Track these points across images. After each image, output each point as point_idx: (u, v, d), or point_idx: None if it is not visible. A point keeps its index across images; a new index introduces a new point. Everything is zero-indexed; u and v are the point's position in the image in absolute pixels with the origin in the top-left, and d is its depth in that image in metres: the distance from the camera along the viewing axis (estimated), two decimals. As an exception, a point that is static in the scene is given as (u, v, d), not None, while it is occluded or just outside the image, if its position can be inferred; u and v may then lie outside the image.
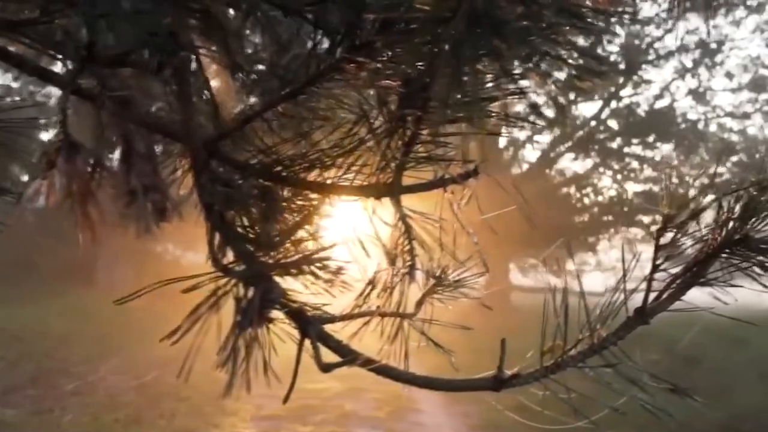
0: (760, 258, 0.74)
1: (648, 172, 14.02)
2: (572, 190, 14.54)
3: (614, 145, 14.09)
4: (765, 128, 13.55)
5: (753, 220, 0.74)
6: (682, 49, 13.37)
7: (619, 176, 14.50)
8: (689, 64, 13.54)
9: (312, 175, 0.78)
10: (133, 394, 5.63)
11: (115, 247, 10.68)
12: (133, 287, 0.62)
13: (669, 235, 0.76)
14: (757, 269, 0.77)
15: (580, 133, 13.88)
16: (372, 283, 0.74)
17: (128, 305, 0.82)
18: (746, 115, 13.42)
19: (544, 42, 0.46)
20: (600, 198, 14.16)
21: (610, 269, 16.42)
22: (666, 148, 13.77)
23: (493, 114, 0.64)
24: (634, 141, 13.84)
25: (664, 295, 0.78)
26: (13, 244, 11.18)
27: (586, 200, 14.59)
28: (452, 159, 0.76)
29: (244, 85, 0.91)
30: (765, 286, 0.75)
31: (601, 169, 14.48)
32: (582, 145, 13.88)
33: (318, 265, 0.65)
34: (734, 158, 13.39)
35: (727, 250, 0.76)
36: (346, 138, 0.78)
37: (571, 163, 15.02)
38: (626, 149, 14.14)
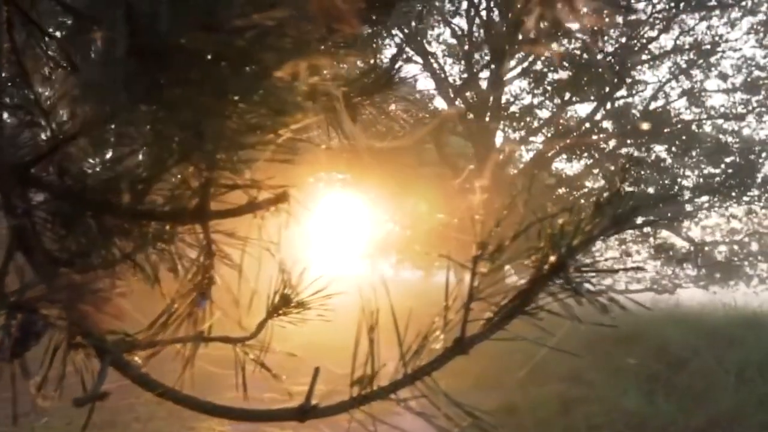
0: (577, 287, 0.72)
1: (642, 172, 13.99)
2: (566, 190, 14.50)
3: (608, 146, 14.05)
4: (759, 129, 13.50)
5: (567, 247, 0.72)
6: (677, 49, 13.32)
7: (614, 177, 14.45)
8: (683, 65, 13.50)
9: (125, 201, 0.76)
10: (109, 397, 5.60)
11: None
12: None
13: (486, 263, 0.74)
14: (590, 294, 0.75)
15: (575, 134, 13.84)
16: (168, 310, 0.73)
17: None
18: (740, 116, 13.36)
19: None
20: (593, 199, 14.06)
21: (606, 269, 16.37)
22: (659, 149, 13.72)
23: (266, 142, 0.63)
24: (628, 141, 13.79)
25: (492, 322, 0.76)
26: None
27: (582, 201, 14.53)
28: (260, 186, 0.74)
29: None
30: (577, 318, 0.73)
31: (595, 171, 14.45)
32: (575, 146, 13.84)
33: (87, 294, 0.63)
34: (728, 159, 13.34)
35: (551, 279, 0.74)
36: (156, 163, 0.77)
37: (564, 165, 15.01)
38: (621, 150, 14.10)
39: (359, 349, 0.79)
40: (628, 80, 13.34)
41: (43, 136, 0.92)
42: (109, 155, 0.84)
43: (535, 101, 14.56)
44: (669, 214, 13.50)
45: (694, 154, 13.57)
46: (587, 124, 13.86)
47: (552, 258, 0.72)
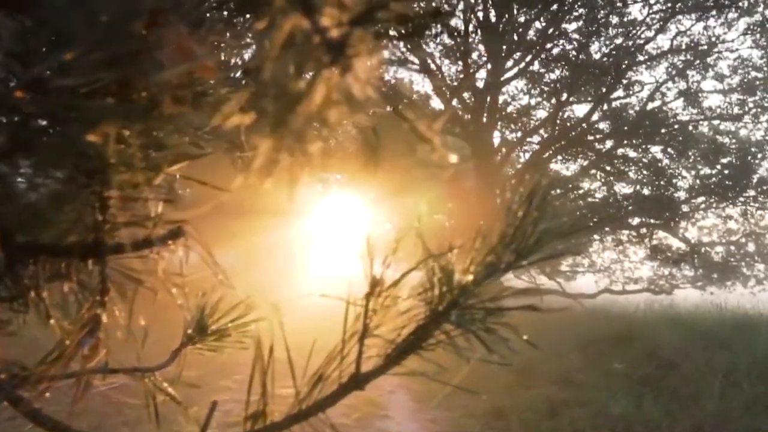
0: (466, 327, 0.72)
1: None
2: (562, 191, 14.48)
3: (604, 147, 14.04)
4: (755, 130, 13.47)
5: (457, 287, 0.72)
6: (673, 50, 13.30)
7: (610, 178, 14.46)
8: (680, 66, 13.48)
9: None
10: (99, 400, 5.63)
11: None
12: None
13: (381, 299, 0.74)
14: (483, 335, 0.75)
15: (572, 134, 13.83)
16: (59, 348, 0.73)
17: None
18: (737, 117, 13.34)
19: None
20: (590, 200, 14.09)
21: (603, 270, 16.42)
22: (656, 150, 13.72)
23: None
24: (624, 142, 13.77)
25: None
26: None
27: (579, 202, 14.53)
28: (157, 221, 0.74)
29: None
30: (466, 357, 0.72)
31: (592, 171, 14.43)
32: (572, 146, 13.84)
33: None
34: (725, 160, 13.32)
35: (444, 317, 0.74)
36: (55, 199, 0.77)
37: (561, 166, 14.99)
38: (618, 151, 14.09)
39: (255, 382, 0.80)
40: (625, 81, 13.32)
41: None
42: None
43: (532, 102, 14.57)
44: (666, 214, 13.51)
45: (690, 154, 13.55)
46: (584, 125, 13.84)
47: (443, 297, 0.72)
